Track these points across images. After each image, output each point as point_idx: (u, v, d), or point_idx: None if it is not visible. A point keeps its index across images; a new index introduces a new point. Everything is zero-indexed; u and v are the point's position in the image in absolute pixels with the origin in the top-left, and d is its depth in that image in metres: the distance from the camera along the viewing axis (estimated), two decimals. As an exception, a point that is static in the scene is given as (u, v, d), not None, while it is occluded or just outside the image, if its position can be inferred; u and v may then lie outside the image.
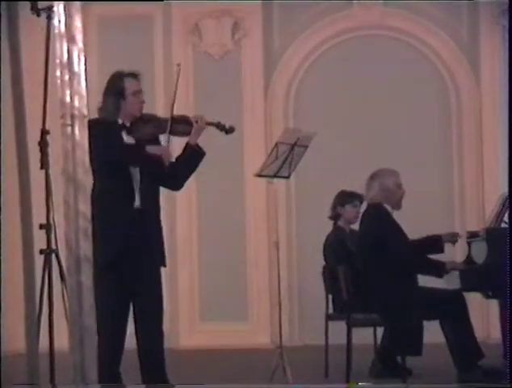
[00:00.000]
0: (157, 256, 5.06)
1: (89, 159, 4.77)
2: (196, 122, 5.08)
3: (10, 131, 3.21)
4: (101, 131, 4.80)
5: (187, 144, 5.12)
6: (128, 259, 4.93)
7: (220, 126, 5.22)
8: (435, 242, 6.33)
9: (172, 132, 5.07)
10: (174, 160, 5.07)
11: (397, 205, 6.30)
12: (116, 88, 5.06)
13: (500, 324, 6.42)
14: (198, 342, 8.72)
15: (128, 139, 5.04)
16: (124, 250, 4.92)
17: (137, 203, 4.98)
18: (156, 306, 5.02)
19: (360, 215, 6.71)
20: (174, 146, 5.15)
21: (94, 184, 4.87)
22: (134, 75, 5.11)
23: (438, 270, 6.06)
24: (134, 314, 5.01)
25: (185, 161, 5.12)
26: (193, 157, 5.12)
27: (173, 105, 5.09)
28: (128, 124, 5.05)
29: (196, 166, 5.16)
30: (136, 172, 4.99)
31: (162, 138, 5.14)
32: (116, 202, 4.95)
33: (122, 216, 4.94)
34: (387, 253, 6.05)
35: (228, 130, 5.24)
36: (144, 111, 5.14)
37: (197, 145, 5.12)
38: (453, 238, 6.37)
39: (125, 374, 5.03)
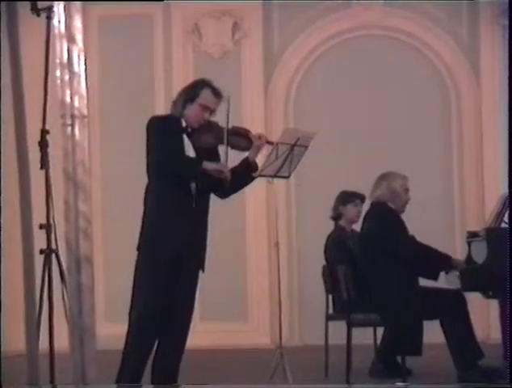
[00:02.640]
0: (200, 259, 5.05)
1: (146, 154, 4.79)
2: (259, 138, 5.09)
3: (10, 131, 3.21)
4: (162, 129, 4.86)
5: (246, 159, 5.12)
6: (178, 261, 4.91)
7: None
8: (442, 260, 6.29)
9: (230, 145, 5.05)
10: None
11: (401, 209, 6.33)
12: (192, 90, 5.05)
13: (500, 324, 6.42)
14: (198, 342, 8.70)
15: (187, 143, 5.02)
16: (178, 251, 4.91)
17: (194, 204, 4.98)
18: (189, 307, 5.07)
19: (362, 214, 6.73)
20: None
21: (149, 180, 4.93)
22: (217, 94, 5.05)
23: (447, 263, 6.10)
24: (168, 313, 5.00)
25: (239, 175, 5.09)
26: (248, 173, 5.14)
27: (228, 116, 5.01)
28: (189, 129, 5.02)
29: (247, 181, 5.19)
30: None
31: (221, 151, 5.12)
32: (177, 201, 4.92)
33: (183, 215, 4.93)
34: (390, 250, 6.06)
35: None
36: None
37: (255, 162, 5.13)
38: (457, 266, 6.27)
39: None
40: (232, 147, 5.08)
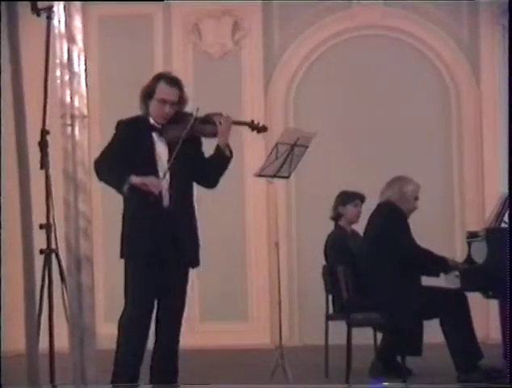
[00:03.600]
0: (187, 257, 5.03)
1: None
2: (221, 123, 5.06)
3: (10, 131, 3.21)
4: (119, 134, 4.88)
5: (217, 145, 5.11)
6: (158, 260, 4.91)
7: (252, 125, 5.22)
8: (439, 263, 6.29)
9: (198, 134, 5.05)
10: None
11: (407, 214, 6.34)
12: (149, 87, 5.05)
13: (500, 324, 6.42)
14: (198, 342, 8.71)
15: (160, 141, 5.02)
16: (154, 250, 4.91)
17: (167, 203, 4.97)
18: (178, 307, 5.05)
19: (362, 214, 6.75)
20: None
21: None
22: (172, 82, 5.04)
23: (444, 266, 6.11)
24: (157, 313, 5.01)
25: (213, 162, 5.11)
26: (220, 158, 5.10)
27: (197, 110, 5.04)
28: (159, 126, 5.03)
29: (224, 167, 5.13)
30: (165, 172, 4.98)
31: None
32: (144, 202, 4.92)
33: (151, 216, 4.93)
34: (395, 250, 6.06)
35: (261, 129, 5.25)
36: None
37: (226, 145, 5.09)
38: (455, 267, 6.27)
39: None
40: (201, 135, 5.09)
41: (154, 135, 5.01)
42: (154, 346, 5.01)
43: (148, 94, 5.03)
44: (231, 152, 5.11)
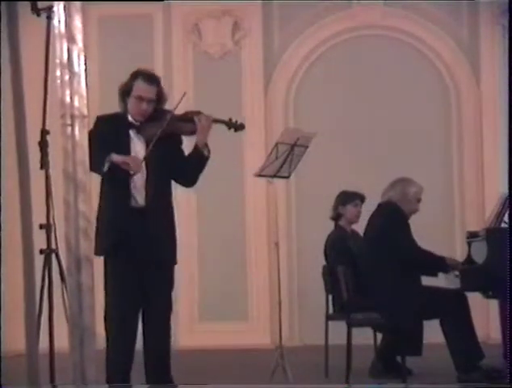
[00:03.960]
0: (165, 255, 5.01)
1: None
2: (199, 121, 5.04)
3: (10, 131, 3.21)
4: (95, 130, 4.80)
5: (195, 143, 5.09)
6: (134, 258, 4.90)
7: (229, 124, 5.19)
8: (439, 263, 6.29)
9: (176, 132, 5.05)
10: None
11: (408, 215, 6.35)
12: (126, 85, 5.05)
13: (500, 324, 6.42)
14: (198, 342, 8.72)
15: (137, 138, 5.02)
16: (123, 249, 4.90)
17: (142, 202, 4.96)
18: (162, 306, 4.99)
19: (362, 215, 6.75)
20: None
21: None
22: (149, 80, 5.03)
23: (444, 266, 6.11)
24: (142, 313, 4.99)
25: (191, 160, 5.09)
26: (197, 158, 5.08)
27: (174, 109, 5.03)
28: (138, 123, 5.03)
29: (202, 166, 5.11)
30: (141, 171, 4.95)
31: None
32: (112, 201, 4.93)
33: (116, 214, 4.92)
34: (396, 250, 6.06)
35: (238, 127, 5.22)
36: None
37: (205, 144, 5.07)
38: (455, 267, 6.26)
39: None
40: (179, 133, 5.07)
41: (132, 132, 5.00)
42: (143, 347, 4.99)
43: (125, 91, 5.02)
44: (209, 151, 5.09)
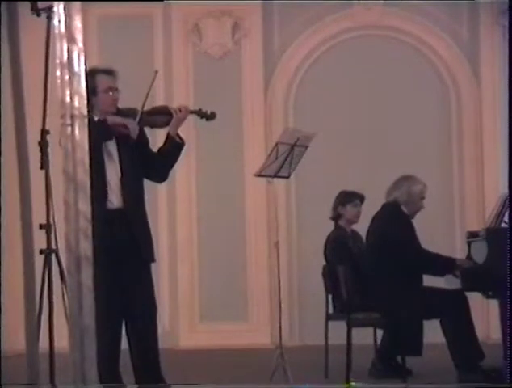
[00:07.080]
0: (144, 253, 5.02)
1: None
2: (178, 111, 5.05)
3: (10, 131, 3.21)
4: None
5: (167, 134, 5.09)
6: (114, 259, 4.87)
7: (200, 113, 5.19)
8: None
9: (148, 126, 5.06)
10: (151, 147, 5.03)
11: (412, 215, 6.36)
12: (89, 85, 5.03)
13: (500, 324, 6.41)
14: (198, 342, 8.72)
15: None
16: (106, 250, 4.87)
17: (119, 204, 4.95)
18: (146, 304, 4.98)
19: (362, 215, 6.75)
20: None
21: None
22: (108, 72, 5.04)
23: (450, 266, 6.11)
24: (126, 315, 4.97)
25: (165, 152, 5.09)
26: (172, 148, 5.08)
27: (144, 102, 5.01)
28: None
29: (176, 157, 5.11)
30: (114, 172, 4.95)
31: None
32: (97, 202, 4.91)
33: (96, 217, 4.90)
34: (398, 251, 6.06)
35: (210, 116, 5.21)
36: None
37: (178, 135, 5.08)
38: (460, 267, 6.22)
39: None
40: (153, 126, 5.09)
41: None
42: (129, 348, 4.97)
43: (91, 91, 5.00)
44: (182, 139, 5.10)
